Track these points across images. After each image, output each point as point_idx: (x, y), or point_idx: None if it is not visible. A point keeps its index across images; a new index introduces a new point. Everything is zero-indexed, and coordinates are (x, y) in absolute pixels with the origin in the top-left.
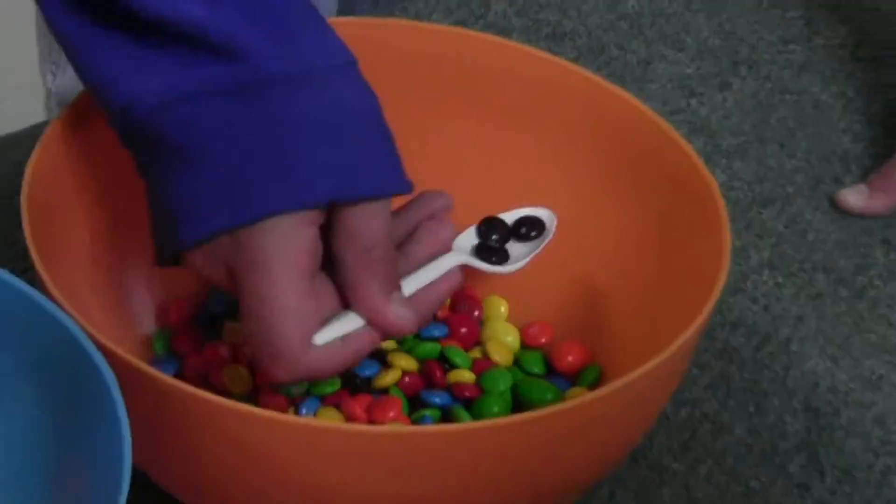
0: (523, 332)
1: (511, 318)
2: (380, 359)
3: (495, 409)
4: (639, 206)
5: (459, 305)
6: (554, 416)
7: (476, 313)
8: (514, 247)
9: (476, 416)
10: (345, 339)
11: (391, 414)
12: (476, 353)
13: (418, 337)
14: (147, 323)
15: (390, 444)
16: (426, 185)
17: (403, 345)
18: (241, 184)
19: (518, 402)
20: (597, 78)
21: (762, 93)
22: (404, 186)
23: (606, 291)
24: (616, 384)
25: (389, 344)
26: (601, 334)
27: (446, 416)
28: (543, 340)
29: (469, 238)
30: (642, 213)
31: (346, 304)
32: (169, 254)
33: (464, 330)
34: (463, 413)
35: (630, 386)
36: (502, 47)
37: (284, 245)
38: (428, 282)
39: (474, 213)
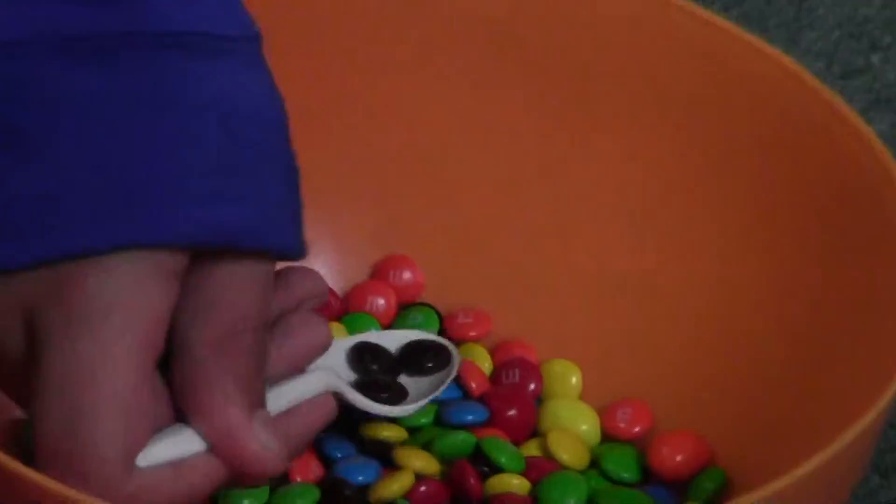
0: (605, 416)
1: (586, 396)
2: (379, 455)
3: None
4: (788, 218)
5: (506, 373)
6: None
7: (532, 387)
8: (405, 380)
9: None
10: (176, 466)
11: None
12: (532, 449)
13: (440, 423)
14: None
15: None
16: (431, 191)
17: (416, 436)
18: (88, 192)
19: None
20: (722, 22)
21: None
22: (301, 249)
23: (731, 353)
24: (749, 500)
25: (394, 432)
26: (724, 421)
27: None
28: (637, 430)
29: (337, 358)
30: (790, 228)
31: (180, 414)
32: None
33: (512, 412)
34: None
35: (773, 501)
36: None
37: (131, 296)
38: (296, 402)
39: (516, 242)
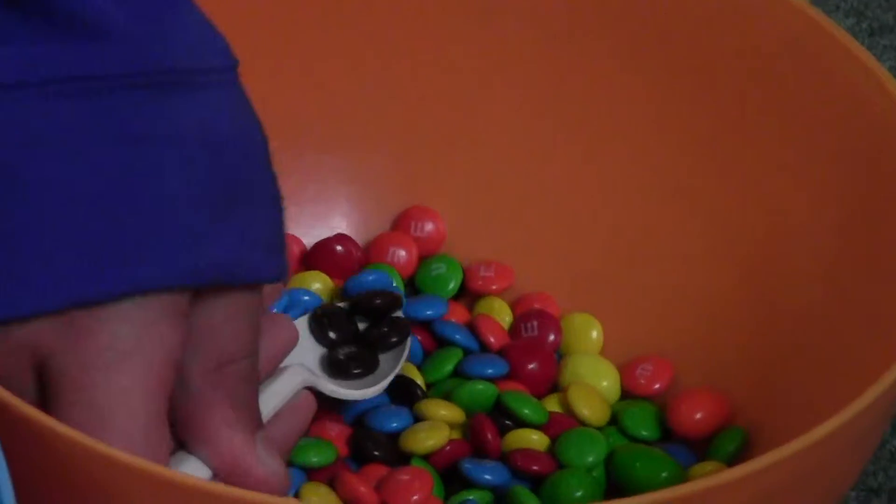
0: (626, 372)
1: (607, 352)
2: (406, 400)
3: (578, 493)
4: (814, 181)
5: (525, 325)
6: None
7: (552, 338)
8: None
9: (548, 502)
10: None
11: (415, 496)
12: (551, 404)
13: (459, 375)
14: None
15: None
16: (453, 144)
17: (435, 387)
18: (90, 235)
19: (615, 483)
20: None
21: None
22: (284, 273)
23: (754, 312)
24: (771, 458)
25: (410, 372)
26: (745, 380)
27: (500, 502)
28: (657, 387)
29: (304, 342)
30: (820, 192)
31: (182, 443)
32: None
33: (533, 366)
34: (528, 497)
35: (794, 461)
36: None
37: (149, 340)
38: (280, 404)
39: (538, 193)
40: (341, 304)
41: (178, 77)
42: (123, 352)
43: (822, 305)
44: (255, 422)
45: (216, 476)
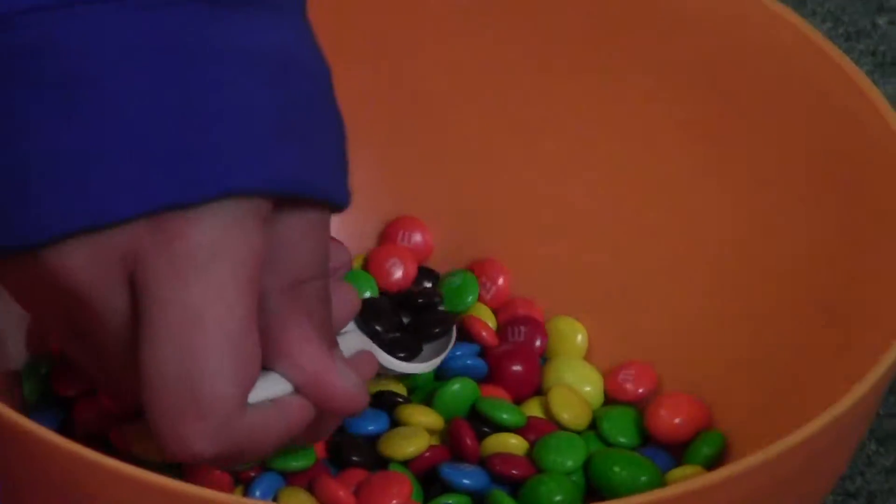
0: (610, 378)
1: (591, 356)
2: (384, 407)
3: (558, 497)
4: (790, 187)
5: (512, 330)
6: None
7: (538, 343)
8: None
9: None
10: (277, 405)
11: (393, 501)
12: (533, 408)
13: (439, 376)
14: (13, 354)
15: None
16: (441, 152)
17: (415, 392)
18: (179, 144)
19: (594, 487)
20: None
21: None
22: (349, 201)
23: (738, 319)
24: (747, 463)
25: (398, 388)
26: (724, 385)
27: None
28: (640, 392)
29: (350, 331)
30: (797, 196)
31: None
32: (21, 244)
33: (517, 368)
34: (507, 501)
35: (769, 467)
36: None
37: (232, 242)
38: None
39: (522, 200)
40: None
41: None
42: (214, 250)
43: (801, 312)
44: (331, 339)
45: (297, 391)
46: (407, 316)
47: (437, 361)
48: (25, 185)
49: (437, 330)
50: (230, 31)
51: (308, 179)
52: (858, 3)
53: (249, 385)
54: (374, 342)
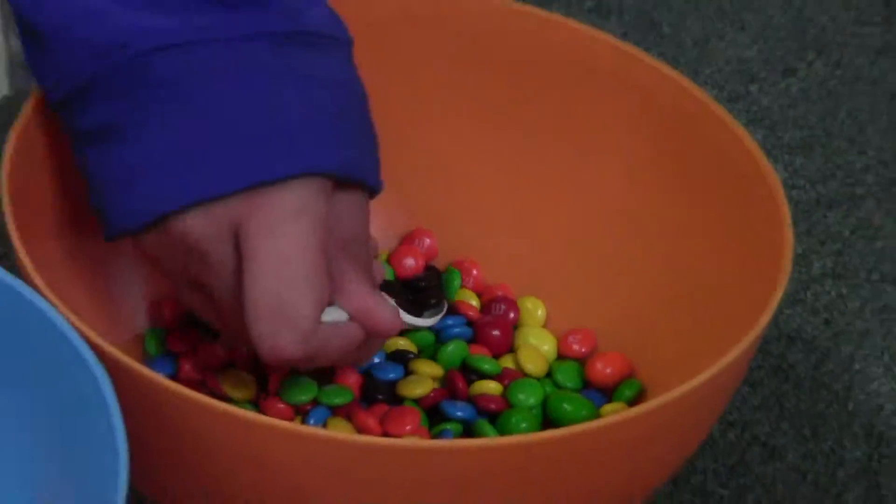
0: (562, 340)
1: (549, 325)
2: (400, 360)
3: (523, 425)
4: (692, 203)
5: (495, 306)
6: (586, 435)
7: (512, 315)
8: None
9: (502, 431)
10: (337, 327)
11: (408, 427)
12: (507, 362)
13: (439, 340)
14: (138, 321)
15: (405, 459)
16: (439, 177)
17: (424, 352)
18: (272, 135)
19: (549, 419)
20: (647, 57)
21: (832, 80)
22: (382, 187)
23: (653, 298)
24: (657, 401)
25: (410, 346)
26: (645, 346)
27: (469, 432)
28: (583, 351)
29: None
30: (695, 211)
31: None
32: (157, 213)
33: (496, 333)
34: (487, 428)
35: (673, 404)
36: (539, 20)
37: (308, 205)
38: None
39: (499, 212)
40: (398, 281)
41: (317, 38)
42: (296, 212)
43: (701, 296)
44: (374, 283)
45: (351, 319)
46: (411, 295)
47: (435, 320)
48: (157, 171)
49: (433, 301)
50: (302, 59)
51: (358, 168)
52: (737, 75)
53: (322, 308)
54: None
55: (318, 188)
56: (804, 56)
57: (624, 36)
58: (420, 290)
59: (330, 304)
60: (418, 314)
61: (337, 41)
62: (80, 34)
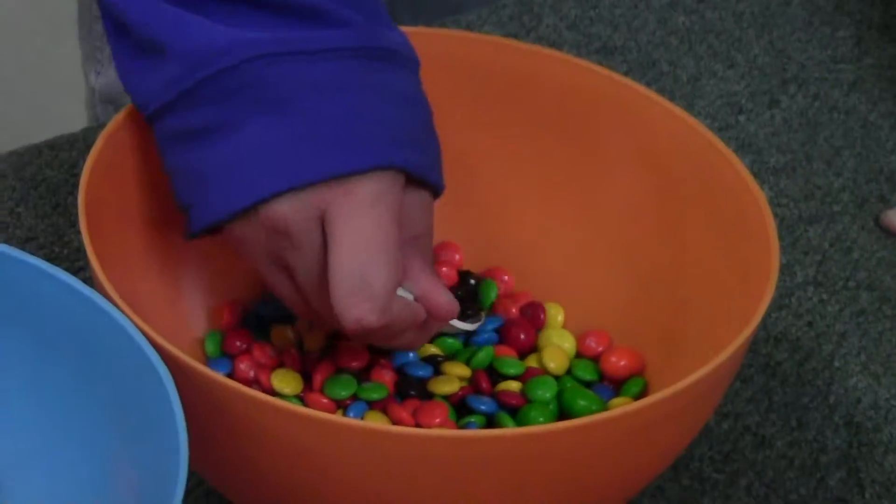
0: (580, 340)
1: (568, 327)
2: (431, 363)
3: (540, 418)
4: (689, 219)
5: (526, 311)
6: (596, 426)
7: (542, 317)
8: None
9: (521, 424)
10: (407, 303)
11: (437, 419)
12: (532, 362)
13: (469, 344)
14: (199, 325)
15: (434, 447)
16: (467, 196)
17: (459, 355)
18: (355, 133)
19: (564, 412)
20: (648, 92)
21: (811, 111)
22: (444, 188)
23: (657, 304)
24: (659, 395)
25: (440, 350)
26: (649, 346)
27: (491, 424)
28: (600, 349)
29: None
30: (692, 227)
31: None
32: (256, 198)
33: (523, 336)
34: (507, 420)
35: (673, 398)
36: (552, 59)
37: (386, 193)
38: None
39: (520, 228)
40: None
41: (393, 56)
42: (375, 199)
43: (698, 303)
44: (434, 270)
45: (416, 299)
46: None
47: (477, 325)
48: (255, 162)
49: (469, 312)
50: (380, 73)
51: (426, 168)
52: (727, 106)
53: (397, 284)
54: None
55: (392, 180)
56: (786, 90)
57: (627, 73)
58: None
59: (399, 286)
60: (463, 319)
61: (409, 61)
62: (183, 46)
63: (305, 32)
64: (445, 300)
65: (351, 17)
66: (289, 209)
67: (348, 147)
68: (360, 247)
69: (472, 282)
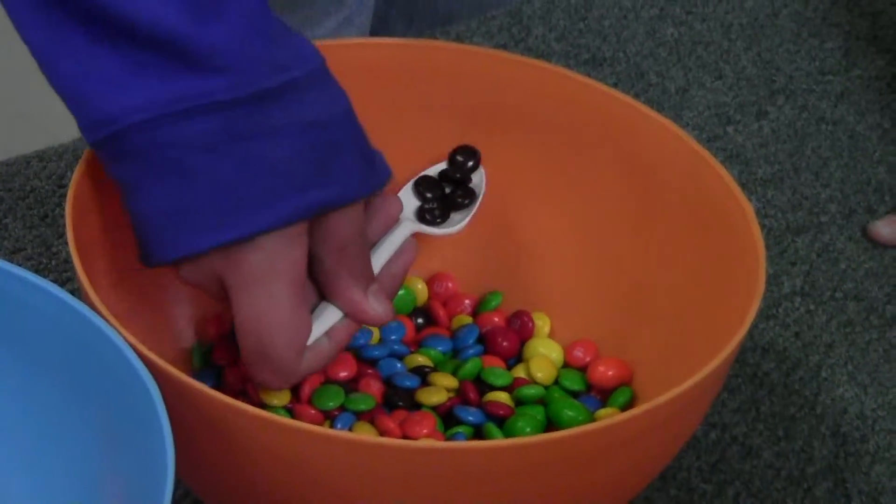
0: (567, 350)
1: (555, 337)
2: (419, 373)
3: (528, 429)
4: (676, 230)
5: (515, 321)
6: (582, 437)
7: (531, 325)
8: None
9: (508, 435)
10: (329, 333)
11: (424, 430)
12: (519, 372)
13: (457, 356)
14: (186, 337)
15: (422, 459)
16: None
17: (439, 367)
18: (230, 200)
19: (551, 423)
20: (636, 103)
21: (798, 122)
22: (382, 179)
23: (644, 314)
24: (646, 406)
25: (427, 361)
26: (637, 357)
27: (479, 435)
28: (587, 360)
29: (408, 202)
30: (679, 237)
31: (324, 297)
32: (155, 263)
33: (505, 343)
34: (495, 431)
35: (660, 408)
36: (541, 70)
37: (277, 261)
38: (388, 258)
39: (508, 239)
40: (433, 175)
41: (282, 90)
42: (268, 268)
43: (686, 313)
44: (367, 281)
45: (345, 316)
46: (448, 186)
47: (461, 226)
48: (151, 229)
49: (465, 202)
50: (271, 113)
51: (334, 198)
52: (715, 118)
53: (302, 346)
54: (420, 221)
55: (291, 234)
56: (774, 101)
57: (615, 85)
58: (456, 184)
59: (327, 303)
60: (445, 217)
61: (308, 76)
62: (75, 109)
63: (184, 84)
64: (374, 313)
65: (230, 57)
66: (188, 273)
67: (233, 213)
68: (254, 323)
69: (471, 163)
